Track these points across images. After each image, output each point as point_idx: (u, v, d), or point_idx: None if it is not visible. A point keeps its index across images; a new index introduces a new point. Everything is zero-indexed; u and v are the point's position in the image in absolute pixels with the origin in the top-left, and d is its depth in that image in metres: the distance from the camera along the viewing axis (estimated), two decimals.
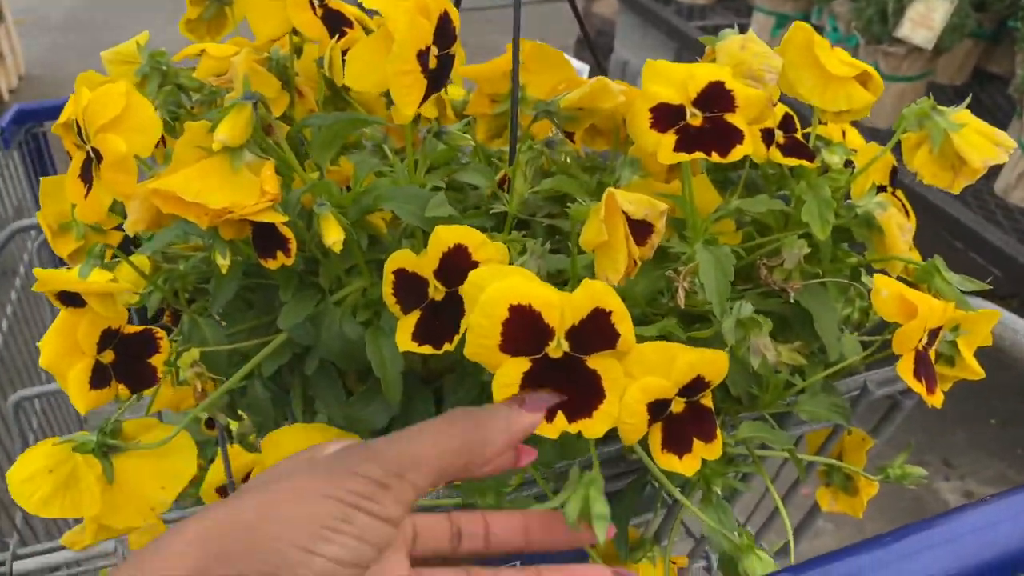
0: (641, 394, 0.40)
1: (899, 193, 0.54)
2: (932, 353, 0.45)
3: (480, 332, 0.38)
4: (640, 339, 0.40)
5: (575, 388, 0.39)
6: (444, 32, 0.44)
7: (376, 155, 0.58)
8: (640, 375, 0.40)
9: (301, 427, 0.48)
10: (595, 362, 0.39)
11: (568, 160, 0.58)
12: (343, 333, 0.49)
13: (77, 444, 0.43)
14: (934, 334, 0.44)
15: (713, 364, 0.41)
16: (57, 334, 0.47)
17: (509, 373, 0.38)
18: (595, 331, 0.38)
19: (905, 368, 0.42)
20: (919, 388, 0.42)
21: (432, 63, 0.43)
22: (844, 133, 0.61)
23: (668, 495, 0.52)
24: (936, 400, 0.44)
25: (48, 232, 0.54)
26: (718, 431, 0.42)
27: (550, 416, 0.39)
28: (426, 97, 0.43)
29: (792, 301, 0.47)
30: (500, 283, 0.38)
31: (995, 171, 1.96)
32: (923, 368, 0.43)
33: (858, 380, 0.56)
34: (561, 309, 0.38)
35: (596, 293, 0.38)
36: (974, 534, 0.38)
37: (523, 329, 0.38)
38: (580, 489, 0.39)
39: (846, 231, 0.53)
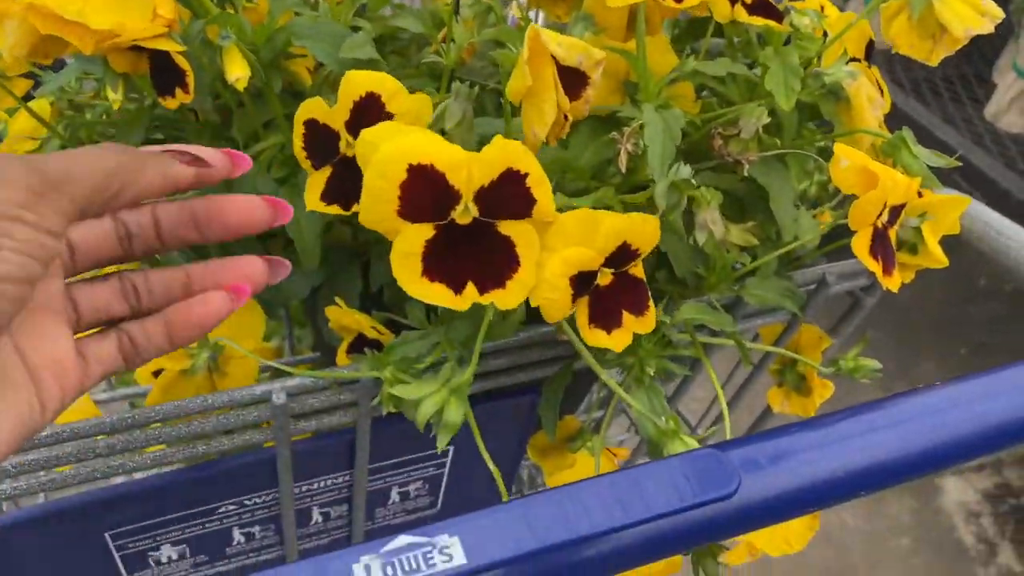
0: (563, 266, 0.36)
1: (874, 70, 0.50)
2: (892, 233, 0.41)
3: (376, 195, 0.34)
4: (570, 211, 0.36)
5: (486, 256, 0.35)
6: None
7: None
8: (562, 247, 0.36)
9: None
10: (508, 228, 0.36)
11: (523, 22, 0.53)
12: (256, 190, 0.45)
13: None
14: (896, 212, 0.41)
15: (641, 229, 0.37)
16: None
17: (410, 240, 0.34)
18: (507, 194, 0.35)
19: (860, 245, 0.39)
20: (875, 267, 0.39)
21: None
22: (822, 8, 0.56)
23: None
24: (893, 283, 0.40)
25: None
26: (651, 303, 0.39)
27: (459, 287, 0.35)
28: None
29: (747, 176, 0.43)
30: (398, 140, 0.34)
31: (987, 95, 1.90)
32: (880, 247, 0.40)
33: (816, 272, 0.53)
34: (468, 169, 0.34)
35: (508, 152, 0.34)
36: (920, 418, 0.35)
37: (425, 191, 0.34)
38: (441, 392, 0.36)
39: (813, 108, 0.49)
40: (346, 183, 0.39)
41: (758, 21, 0.44)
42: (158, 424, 0.43)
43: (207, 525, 0.52)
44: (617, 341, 0.38)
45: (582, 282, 0.37)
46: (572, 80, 0.37)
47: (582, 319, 0.38)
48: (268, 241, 0.50)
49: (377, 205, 0.34)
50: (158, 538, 0.51)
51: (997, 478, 1.69)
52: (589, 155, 0.46)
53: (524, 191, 0.35)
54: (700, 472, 0.32)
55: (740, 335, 0.48)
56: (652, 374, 0.41)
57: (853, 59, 0.47)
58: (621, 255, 0.37)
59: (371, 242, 0.50)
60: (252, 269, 0.34)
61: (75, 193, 0.29)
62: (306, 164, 0.41)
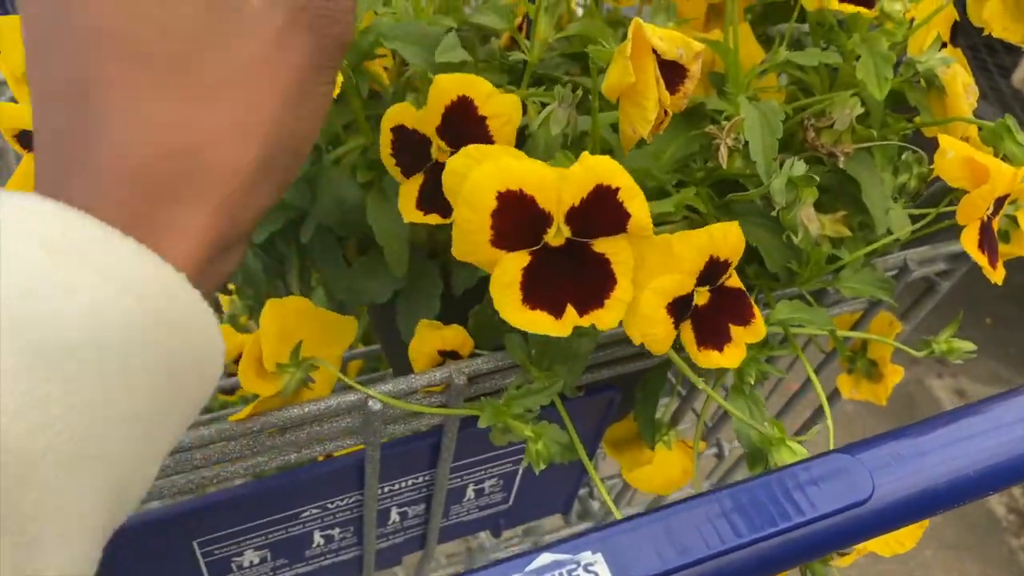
0: (657, 298, 0.35)
1: (959, 52, 0.49)
2: (995, 224, 0.40)
3: (467, 228, 0.33)
4: (654, 218, 0.36)
5: (582, 277, 0.35)
6: None
7: None
8: (648, 280, 0.36)
9: (301, 299, 0.43)
10: (602, 245, 0.35)
11: (592, 10, 0.52)
12: (341, 196, 0.44)
13: None
14: (1000, 203, 0.40)
15: (723, 240, 0.36)
16: (19, 185, 0.42)
17: (508, 270, 0.34)
18: (600, 212, 0.34)
19: (969, 239, 0.38)
20: (982, 260, 0.38)
21: None
22: None
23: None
24: (997, 275, 0.40)
25: (11, 80, 0.48)
26: (755, 309, 0.38)
27: (559, 311, 0.35)
28: None
29: (841, 167, 0.43)
30: (483, 167, 0.33)
31: (1014, 63, 1.88)
32: (987, 240, 0.39)
33: (897, 258, 0.52)
34: (558, 190, 0.33)
35: (598, 168, 0.33)
36: None
37: (516, 218, 0.33)
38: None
39: (896, 94, 0.48)
40: (440, 190, 0.39)
41: (850, 8, 0.43)
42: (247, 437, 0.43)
43: (290, 530, 0.52)
44: (731, 357, 0.37)
45: (680, 307, 0.36)
46: (671, 74, 0.36)
47: (690, 343, 0.37)
48: (343, 242, 0.50)
49: (470, 237, 0.33)
50: (242, 544, 0.51)
51: None
52: (673, 150, 0.45)
53: (617, 206, 0.34)
54: (833, 478, 0.31)
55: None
56: (752, 382, 0.40)
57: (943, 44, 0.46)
58: (712, 270, 0.36)
59: (449, 243, 0.49)
60: None
61: None
62: (395, 171, 0.40)
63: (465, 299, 0.49)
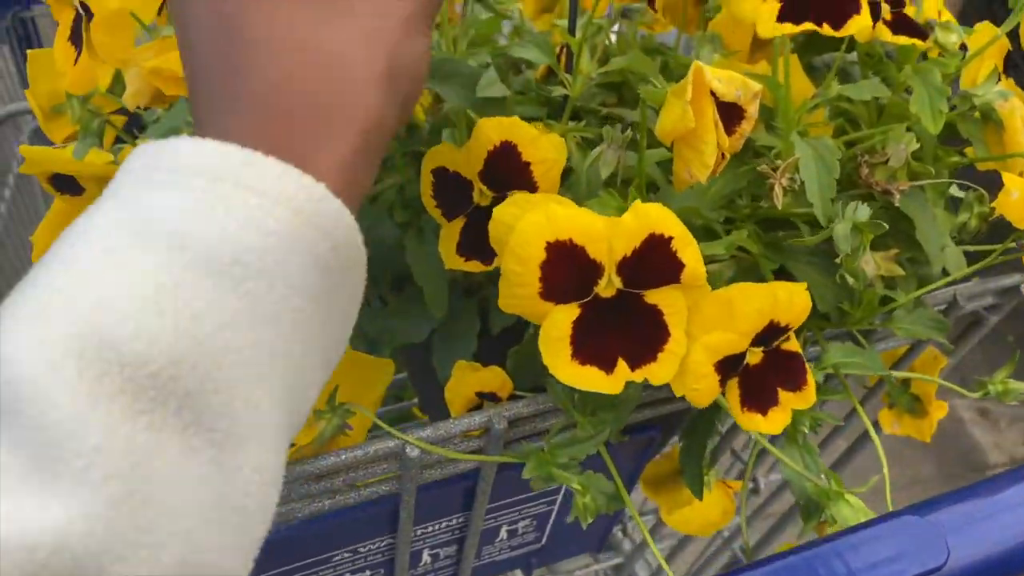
0: (706, 354, 0.34)
1: (1010, 83, 0.47)
2: None
3: (515, 280, 0.32)
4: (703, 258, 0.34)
5: (634, 329, 0.34)
6: None
7: None
8: (702, 333, 0.34)
9: None
10: (654, 296, 0.34)
11: (630, 38, 0.51)
12: (378, 236, 0.43)
13: None
14: None
15: (788, 305, 0.35)
16: (51, 226, 0.41)
17: (557, 325, 0.33)
18: (652, 262, 0.33)
19: None
20: None
21: None
22: (939, 12, 0.54)
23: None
24: None
25: (39, 114, 0.48)
26: (810, 376, 0.37)
27: (610, 366, 0.33)
28: None
29: (896, 205, 0.41)
30: (531, 216, 0.32)
31: None
32: None
33: (946, 293, 0.50)
34: (609, 239, 0.32)
35: (651, 216, 0.32)
36: None
37: (566, 268, 0.32)
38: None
39: (947, 125, 0.46)
40: (482, 235, 0.37)
41: (904, 40, 0.41)
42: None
43: (321, 574, 0.51)
44: (775, 423, 0.36)
45: (730, 364, 0.35)
46: (728, 114, 0.35)
47: (734, 403, 0.36)
48: (378, 279, 0.48)
49: (518, 290, 0.32)
50: None
51: None
52: (720, 186, 0.44)
53: (670, 256, 0.33)
54: (906, 542, 0.30)
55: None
56: (806, 430, 0.38)
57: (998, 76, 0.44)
58: (770, 333, 0.35)
59: (485, 281, 0.48)
60: None
61: None
62: (436, 213, 0.39)
63: (503, 338, 0.47)
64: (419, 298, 0.45)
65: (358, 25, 0.26)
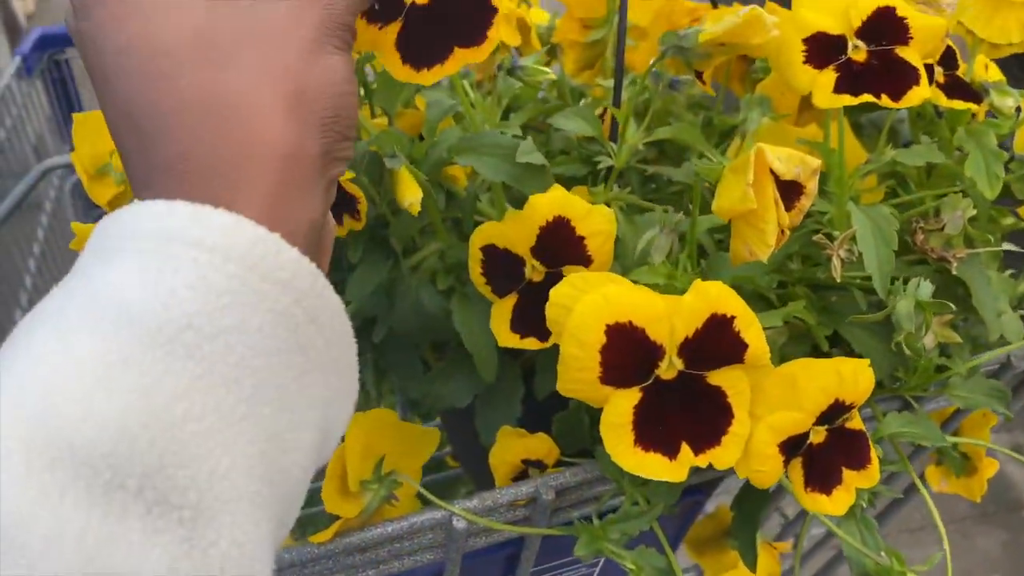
0: (770, 434, 0.33)
1: None
2: None
3: (575, 365, 0.31)
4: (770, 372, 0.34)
5: (697, 412, 0.33)
6: None
7: (451, 91, 0.50)
8: (765, 413, 0.33)
9: (385, 412, 0.41)
10: (717, 378, 0.33)
11: (673, 98, 0.51)
12: (421, 305, 0.42)
13: None
14: None
15: (854, 382, 0.34)
16: None
17: (619, 411, 0.32)
18: (715, 342, 0.32)
19: None
20: None
21: None
22: (987, 67, 0.53)
23: None
24: None
25: (84, 176, 0.48)
26: (873, 454, 0.36)
27: (673, 452, 0.32)
28: (417, 57, 0.31)
29: (953, 272, 0.40)
30: (590, 299, 0.31)
31: None
32: None
33: (998, 354, 0.49)
34: (670, 320, 0.31)
35: (712, 297, 0.32)
36: None
37: (626, 351, 0.31)
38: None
39: (1003, 186, 0.45)
40: (537, 311, 0.37)
41: (960, 105, 0.41)
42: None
43: None
44: (839, 503, 0.35)
45: (794, 444, 0.34)
46: (788, 191, 0.34)
47: (797, 483, 0.35)
48: (420, 346, 0.48)
49: (577, 375, 0.32)
50: None
51: None
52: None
53: (732, 336, 0.32)
54: None
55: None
56: (865, 504, 0.37)
57: None
58: (834, 411, 0.34)
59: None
60: None
61: None
62: (486, 291, 0.39)
63: (548, 402, 0.47)
64: (462, 362, 0.44)
65: (255, 67, 0.26)
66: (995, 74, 0.53)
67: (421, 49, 0.31)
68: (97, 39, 0.26)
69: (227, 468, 0.22)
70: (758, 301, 0.43)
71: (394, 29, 0.30)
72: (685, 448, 0.32)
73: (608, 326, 0.31)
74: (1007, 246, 0.50)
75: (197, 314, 0.22)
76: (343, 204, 0.38)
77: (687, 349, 0.32)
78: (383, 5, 0.30)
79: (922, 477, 0.63)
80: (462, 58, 0.31)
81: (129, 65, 0.25)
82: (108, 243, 0.24)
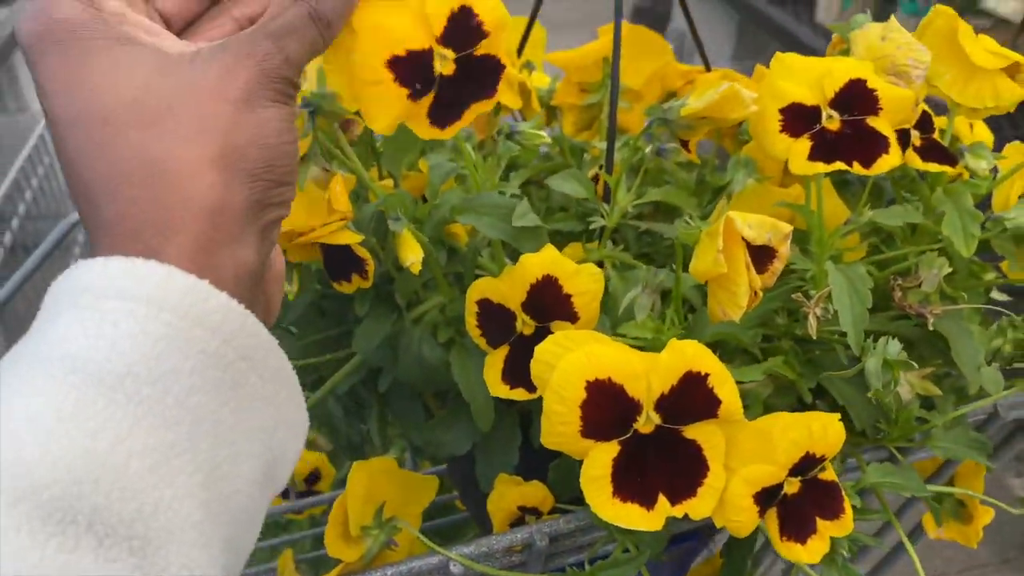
0: (745, 486, 0.35)
1: None
2: None
3: (557, 419, 0.33)
4: (742, 387, 0.35)
5: (673, 465, 0.35)
6: (462, 30, 0.33)
7: (454, 153, 0.53)
8: (739, 466, 0.35)
9: (386, 460, 0.43)
10: (693, 432, 0.35)
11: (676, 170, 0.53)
12: (423, 356, 0.45)
13: None
14: None
15: (823, 437, 0.36)
16: None
17: (598, 463, 0.34)
18: (690, 398, 0.34)
19: None
20: None
21: (443, 68, 0.33)
22: (972, 126, 0.55)
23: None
24: None
25: None
26: (847, 505, 0.37)
27: (650, 503, 0.34)
28: (442, 117, 0.34)
29: (930, 328, 0.42)
30: (571, 356, 0.33)
31: None
32: None
33: (987, 405, 0.50)
34: (647, 377, 0.33)
35: (687, 355, 0.34)
36: None
37: (606, 407, 0.33)
38: None
39: (982, 242, 0.47)
40: (526, 363, 0.39)
41: (934, 168, 0.43)
42: None
43: None
44: (814, 552, 0.36)
45: (768, 495, 0.36)
46: (760, 256, 0.36)
47: (773, 531, 0.37)
48: (423, 395, 0.50)
49: (559, 428, 0.34)
50: None
51: None
52: (755, 308, 0.45)
53: (707, 392, 0.34)
54: None
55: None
56: (846, 553, 0.39)
57: None
58: (806, 464, 0.36)
59: None
60: None
61: None
62: (481, 342, 0.41)
63: (545, 450, 0.48)
64: (461, 411, 0.46)
65: (185, 127, 0.27)
66: (980, 131, 0.55)
67: (445, 111, 0.34)
68: (51, 112, 0.28)
69: (170, 499, 0.24)
70: (742, 355, 0.44)
71: (427, 101, 0.33)
72: (662, 499, 0.34)
73: (588, 383, 0.33)
74: (997, 295, 0.51)
75: (135, 362, 0.25)
76: (352, 265, 0.41)
77: (664, 405, 0.34)
78: (421, 84, 0.33)
79: (920, 526, 0.63)
80: (476, 110, 0.34)
81: (77, 135, 0.27)
82: (60, 299, 0.26)
